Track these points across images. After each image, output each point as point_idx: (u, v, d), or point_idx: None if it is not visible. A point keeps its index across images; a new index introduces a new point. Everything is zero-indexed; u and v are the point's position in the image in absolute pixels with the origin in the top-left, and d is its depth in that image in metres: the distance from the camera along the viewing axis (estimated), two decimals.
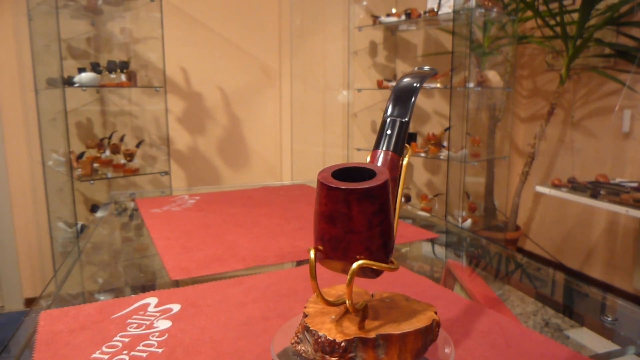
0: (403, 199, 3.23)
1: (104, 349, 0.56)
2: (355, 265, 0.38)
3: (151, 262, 0.92)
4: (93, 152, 2.56)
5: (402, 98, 0.44)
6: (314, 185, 1.51)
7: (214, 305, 0.67)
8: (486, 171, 3.11)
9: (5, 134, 2.51)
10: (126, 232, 1.19)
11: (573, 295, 0.81)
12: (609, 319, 0.67)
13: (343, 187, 0.36)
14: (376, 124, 3.20)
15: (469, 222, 2.97)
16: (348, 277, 0.38)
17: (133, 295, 0.71)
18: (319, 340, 0.40)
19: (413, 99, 0.44)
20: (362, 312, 0.42)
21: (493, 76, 2.61)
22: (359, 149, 3.10)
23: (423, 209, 3.13)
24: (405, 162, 0.43)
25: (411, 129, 3.06)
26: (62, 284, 0.82)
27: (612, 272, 2.72)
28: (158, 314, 0.65)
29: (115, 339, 0.58)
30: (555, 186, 2.52)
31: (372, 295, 0.45)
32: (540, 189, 2.70)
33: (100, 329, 0.61)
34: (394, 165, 0.42)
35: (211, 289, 0.73)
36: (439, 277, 0.92)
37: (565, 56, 2.57)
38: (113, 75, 2.50)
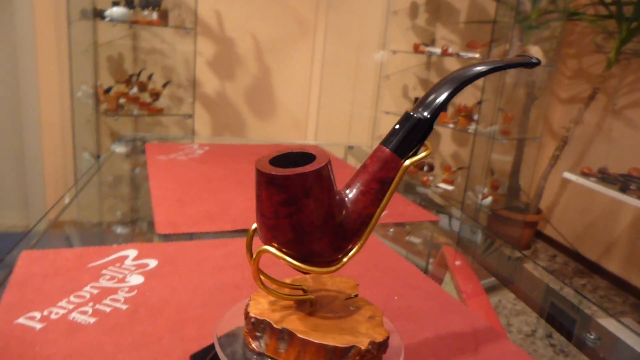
0: (426, 168, 3.18)
1: (71, 298, 0.57)
2: (258, 250, 0.37)
3: (143, 211, 0.93)
4: (121, 88, 2.58)
5: (445, 87, 0.38)
6: (330, 148, 1.49)
7: (191, 267, 0.68)
8: (515, 150, 3.01)
9: (39, 63, 2.55)
10: (128, 176, 1.21)
11: (564, 305, 0.78)
12: (592, 337, 0.64)
13: (258, 167, 0.36)
14: (408, 88, 3.10)
15: (489, 199, 2.91)
16: (252, 260, 0.38)
17: (115, 245, 0.72)
18: (245, 309, 0.41)
19: (447, 94, 0.38)
20: (308, 304, 0.41)
21: (536, 52, 2.47)
22: (387, 112, 3.03)
23: (445, 181, 3.07)
24: (407, 163, 0.38)
25: None
26: (53, 222, 0.84)
27: (630, 269, 2.64)
28: (133, 268, 0.65)
29: (85, 289, 0.59)
30: (584, 174, 2.42)
31: (355, 296, 0.43)
32: (568, 175, 2.59)
33: (73, 277, 0.62)
34: (385, 165, 0.38)
35: (192, 248, 0.74)
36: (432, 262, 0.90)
37: (617, 38, 2.40)
38: (145, 12, 2.47)
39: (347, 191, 0.39)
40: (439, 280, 0.79)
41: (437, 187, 3.06)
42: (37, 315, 0.53)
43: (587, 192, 2.88)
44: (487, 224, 3.15)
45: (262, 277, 0.42)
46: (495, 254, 0.99)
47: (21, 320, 0.52)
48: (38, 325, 0.51)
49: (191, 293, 0.61)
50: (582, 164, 2.84)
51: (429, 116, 0.37)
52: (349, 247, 0.38)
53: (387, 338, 0.36)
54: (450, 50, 2.70)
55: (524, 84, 2.81)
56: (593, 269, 2.89)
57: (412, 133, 0.37)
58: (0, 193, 2.71)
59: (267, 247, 0.37)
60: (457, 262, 0.86)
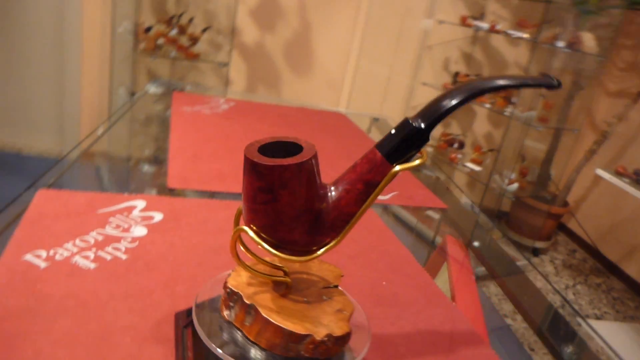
0: (456, 145, 3.12)
1: (77, 241, 0.60)
2: (236, 228, 0.39)
3: (160, 160, 0.96)
4: (161, 28, 2.59)
5: (450, 99, 0.37)
6: (357, 118, 1.48)
7: (194, 225, 0.70)
8: (551, 138, 2.92)
9: None
10: (157, 119, 1.24)
11: (556, 318, 0.78)
12: (569, 350, 0.64)
13: (246, 152, 0.37)
14: (449, 61, 3.01)
15: (515, 185, 2.85)
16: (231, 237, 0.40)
17: (125, 194, 0.75)
18: (226, 278, 0.43)
19: (450, 106, 0.36)
20: (284, 286, 0.42)
21: (589, 39, 2.34)
22: (424, 84, 2.96)
23: (473, 160, 3.02)
24: (397, 169, 0.37)
25: (487, 74, 2.86)
26: (82, 153, 0.88)
27: None
28: (139, 219, 0.68)
29: (91, 233, 0.63)
30: (619, 174, 2.33)
31: (335, 286, 0.45)
32: (601, 172, 2.51)
33: (82, 221, 0.65)
34: (374, 168, 0.38)
35: (199, 206, 0.76)
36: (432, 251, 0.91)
37: None
38: None
39: (333, 187, 0.39)
40: (436, 270, 0.80)
41: (465, 166, 3.01)
42: (44, 254, 0.56)
43: (619, 192, 2.79)
44: (510, 211, 3.10)
45: (246, 252, 0.44)
46: (498, 252, 0.99)
47: (28, 257, 0.55)
48: (43, 264, 0.55)
49: (189, 251, 0.63)
50: (618, 163, 2.73)
51: (424, 127, 0.36)
52: (326, 240, 0.39)
53: (347, 334, 0.37)
54: (498, 26, 2.59)
55: (572, 71, 2.69)
56: (611, 269, 2.84)
57: (407, 141, 0.37)
58: (38, 117, 2.81)
59: (245, 227, 0.39)
60: (457, 254, 0.86)
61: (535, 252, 3.07)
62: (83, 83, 2.73)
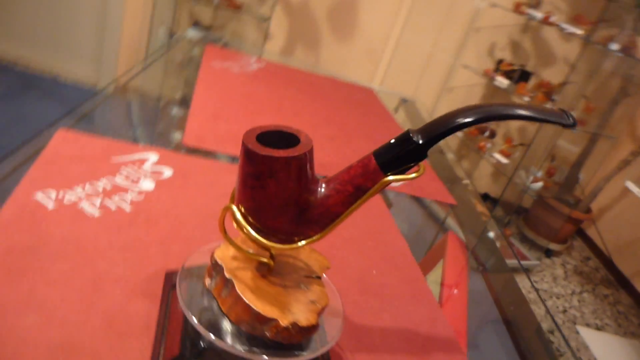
0: (487, 133, 3.05)
1: (86, 186, 0.63)
2: (225, 206, 0.41)
3: (181, 112, 0.97)
4: None
5: (455, 119, 0.36)
6: (386, 96, 1.46)
7: (201, 186, 0.72)
8: (586, 142, 2.82)
9: None
10: (189, 66, 1.25)
11: (538, 334, 0.79)
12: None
13: (244, 136, 0.38)
14: (495, 47, 2.90)
15: (539, 184, 2.80)
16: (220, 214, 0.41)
17: (141, 145, 0.77)
18: (214, 248, 0.45)
19: (454, 126, 0.35)
20: (266, 267, 0.44)
21: None
22: (465, 66, 2.87)
23: (502, 152, 2.95)
24: (389, 179, 0.37)
25: (530, 68, 2.76)
26: (106, 95, 0.91)
27: None
28: (149, 173, 0.71)
29: (101, 180, 0.65)
30: None
31: (317, 277, 0.46)
32: (630, 185, 2.44)
33: (95, 167, 0.68)
34: (366, 174, 0.38)
35: (209, 167, 0.78)
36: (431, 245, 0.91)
37: None
38: None
39: (325, 183, 0.40)
40: (431, 266, 0.81)
41: (492, 156, 2.96)
42: (53, 195, 0.59)
43: None
44: (530, 208, 3.06)
45: (237, 228, 0.45)
46: (497, 259, 0.99)
47: (39, 196, 0.58)
48: (51, 205, 0.57)
49: (192, 212, 0.65)
50: None
51: (423, 143, 0.36)
52: (310, 233, 0.40)
53: (313, 326, 0.39)
54: (552, 18, 2.47)
55: (621, 76, 2.57)
56: (622, 283, 2.80)
57: (404, 154, 0.36)
58: (78, 46, 2.85)
59: (233, 207, 0.40)
60: (456, 253, 0.86)
61: (548, 253, 3.03)
62: (125, 17, 2.74)
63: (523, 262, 2.79)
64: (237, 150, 0.86)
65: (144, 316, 0.47)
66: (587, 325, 2.57)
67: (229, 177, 0.77)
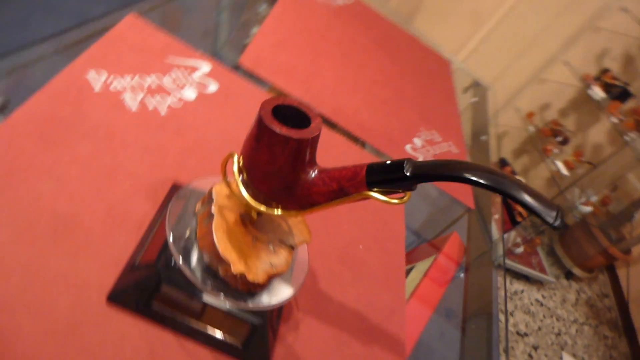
0: (560, 138, 2.90)
1: (135, 78, 0.68)
2: (228, 153, 0.44)
3: (251, 27, 0.99)
4: None
5: (450, 169, 0.36)
6: (462, 75, 1.40)
7: (238, 111, 0.75)
8: None
9: None
10: None
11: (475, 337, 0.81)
12: None
13: (263, 102, 0.41)
14: (606, 54, 2.66)
15: (589, 208, 2.68)
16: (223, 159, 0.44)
17: (197, 51, 0.80)
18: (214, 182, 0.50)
19: (445, 175, 0.36)
20: (249, 218, 0.48)
21: None
22: (565, 62, 2.67)
23: (566, 162, 2.82)
24: (369, 194, 0.38)
25: (634, 90, 2.53)
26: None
27: None
28: (195, 82, 0.74)
29: (150, 75, 0.70)
30: None
31: (292, 247, 0.49)
32: None
33: (150, 61, 0.72)
34: (353, 181, 0.39)
35: (253, 95, 0.81)
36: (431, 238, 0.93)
37: None
38: None
39: (319, 170, 0.42)
40: (419, 259, 0.84)
41: (554, 162, 2.83)
42: (104, 78, 0.64)
43: None
44: (569, 227, 2.96)
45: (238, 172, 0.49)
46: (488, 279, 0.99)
47: (91, 75, 0.63)
48: (98, 87, 0.63)
49: (220, 134, 0.70)
50: None
51: (410, 176, 0.36)
52: (288, 207, 0.43)
53: (258, 285, 0.43)
54: None
55: None
56: (628, 332, 2.74)
57: (390, 180, 0.37)
58: None
59: (235, 156, 0.43)
60: (450, 255, 0.88)
61: (569, 275, 2.97)
62: None
63: (538, 275, 2.76)
64: (286, 87, 0.88)
65: (140, 215, 0.53)
66: (574, 355, 2.57)
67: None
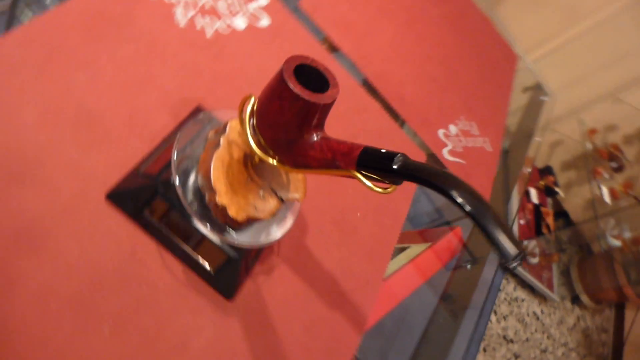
0: (615, 165, 2.76)
1: None
2: (247, 95, 0.45)
3: None
4: None
5: (438, 180, 0.35)
6: (526, 75, 1.33)
7: (283, 51, 0.76)
8: None
9: None
10: None
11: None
12: None
13: (289, 58, 0.42)
14: None
15: (618, 243, 2.60)
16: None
17: None
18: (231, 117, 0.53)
19: (424, 180, 0.35)
20: (250, 160, 0.50)
21: None
22: None
23: (612, 190, 2.70)
24: (355, 174, 0.39)
25: None
26: None
27: None
28: (249, 13, 0.75)
29: None
30: None
31: (282, 200, 0.51)
32: None
33: None
34: (347, 157, 0.40)
35: (303, 41, 0.80)
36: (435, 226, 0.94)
37: None
38: None
39: (322, 136, 0.43)
40: (416, 241, 0.85)
41: (600, 187, 2.72)
42: None
43: None
44: (592, 254, 2.88)
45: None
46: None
47: None
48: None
49: (257, 72, 0.71)
50: None
51: (396, 169, 0.37)
52: (283, 160, 0.45)
53: (236, 222, 0.46)
54: None
55: None
56: None
57: (378, 168, 0.38)
58: None
59: (252, 98, 0.45)
60: (444, 249, 0.89)
61: (575, 300, 2.93)
62: None
63: (544, 290, 2.74)
64: (338, 39, 0.87)
65: (158, 128, 0.56)
66: None
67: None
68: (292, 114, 0.42)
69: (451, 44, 1.13)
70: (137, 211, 0.50)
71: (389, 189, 0.39)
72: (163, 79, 0.60)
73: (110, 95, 0.54)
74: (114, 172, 0.51)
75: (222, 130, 0.52)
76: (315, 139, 0.43)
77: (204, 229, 0.50)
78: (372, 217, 0.73)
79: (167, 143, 0.55)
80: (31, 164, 0.46)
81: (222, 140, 0.50)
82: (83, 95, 0.52)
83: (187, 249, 0.51)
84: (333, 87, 0.43)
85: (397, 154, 0.38)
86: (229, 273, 0.53)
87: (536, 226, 2.88)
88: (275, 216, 0.53)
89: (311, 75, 0.44)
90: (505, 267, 0.32)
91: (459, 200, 0.33)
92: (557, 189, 3.01)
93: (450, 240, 0.92)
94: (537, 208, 2.92)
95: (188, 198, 0.48)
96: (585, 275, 2.91)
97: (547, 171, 3.09)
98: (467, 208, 0.33)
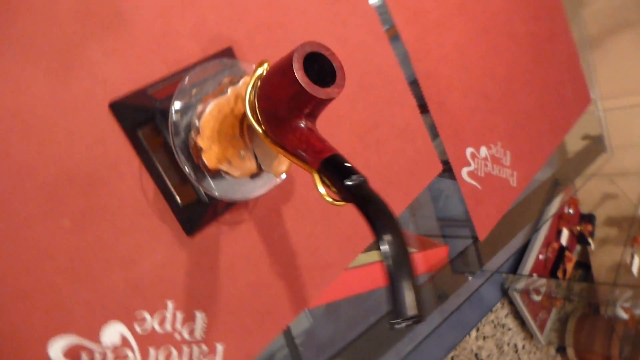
0: None
1: None
2: (262, 60, 0.47)
3: None
4: None
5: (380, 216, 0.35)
6: (592, 120, 1.23)
7: (344, 24, 0.74)
8: None
9: None
10: None
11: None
12: None
13: (305, 42, 0.42)
14: None
15: (625, 316, 2.51)
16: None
17: None
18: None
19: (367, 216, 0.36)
20: (248, 126, 0.51)
21: None
22: None
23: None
24: (313, 173, 0.41)
25: None
26: None
27: None
28: None
29: None
30: None
31: (261, 168, 0.53)
32: None
33: None
34: (316, 154, 0.41)
35: (365, 21, 0.78)
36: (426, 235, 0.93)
37: None
38: None
39: (310, 125, 0.44)
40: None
41: (633, 255, 2.60)
42: None
43: None
44: (597, 315, 2.80)
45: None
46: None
47: None
48: None
49: (300, 33, 0.70)
50: None
51: (345, 186, 0.38)
52: (267, 133, 0.46)
53: (207, 168, 0.48)
54: None
55: None
56: None
57: (334, 179, 0.39)
58: None
59: (266, 64, 0.46)
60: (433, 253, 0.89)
61: (560, 349, 2.89)
62: None
63: (534, 328, 2.71)
64: (403, 25, 0.84)
65: (184, 55, 0.58)
66: None
67: (358, 28, 0.77)
68: (288, 95, 0.42)
69: (522, 65, 1.08)
70: (132, 128, 0.53)
71: (338, 203, 0.40)
72: (206, 9, 0.60)
73: (150, 8, 0.56)
74: (125, 85, 0.53)
75: (236, 81, 0.53)
76: (301, 125, 0.44)
77: (181, 164, 0.52)
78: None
79: (184, 74, 0.57)
80: (50, 52, 0.49)
81: (229, 91, 0.51)
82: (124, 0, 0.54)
83: (165, 177, 0.54)
84: (336, 87, 0.43)
85: (358, 174, 0.38)
86: (196, 211, 0.56)
87: (553, 267, 2.81)
88: (256, 179, 0.55)
89: (325, 66, 0.44)
90: (391, 322, 0.31)
91: (383, 247, 0.33)
92: (590, 240, 2.90)
93: (433, 255, 0.92)
94: (562, 250, 2.84)
95: (179, 131, 0.50)
96: (581, 332, 2.85)
97: (588, 219, 2.96)
98: (389, 264, 0.32)
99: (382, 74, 0.78)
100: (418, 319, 0.31)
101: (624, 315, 2.48)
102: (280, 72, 0.42)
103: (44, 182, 0.48)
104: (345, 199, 0.39)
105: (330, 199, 0.40)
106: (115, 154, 0.52)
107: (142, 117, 0.53)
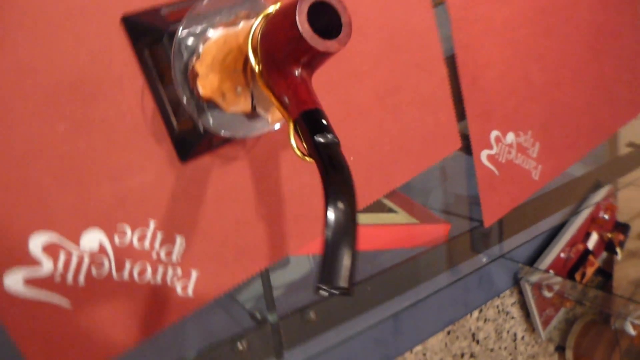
0: None
1: None
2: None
3: None
4: None
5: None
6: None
7: None
8: None
9: None
10: None
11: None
12: None
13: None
14: None
15: (632, 332, 2.45)
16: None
17: None
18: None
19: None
20: (251, 69, 0.50)
21: None
22: None
23: None
24: (290, 127, 0.40)
25: None
26: None
27: None
28: None
29: None
30: None
31: (255, 110, 0.52)
32: None
33: None
34: (299, 103, 0.39)
35: None
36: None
37: None
38: None
39: (304, 78, 0.43)
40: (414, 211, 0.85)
41: None
42: None
43: None
44: (603, 325, 2.75)
45: None
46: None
47: None
48: None
49: None
50: None
51: (314, 142, 0.37)
52: (264, 75, 0.45)
53: (198, 94, 0.48)
54: None
55: None
56: None
57: (306, 132, 0.38)
58: None
59: (279, 3, 0.44)
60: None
61: (559, 349, 2.88)
62: None
63: (538, 324, 2.69)
64: (455, 13, 0.79)
65: None
66: None
67: None
68: (286, 38, 0.41)
69: (577, 55, 1.00)
70: (141, 46, 0.53)
71: (306, 157, 0.39)
72: None
73: None
74: (141, 0, 0.53)
75: (252, 16, 0.52)
76: (295, 74, 0.43)
77: (177, 85, 0.51)
78: (363, 168, 0.73)
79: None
80: None
81: (242, 24, 0.50)
82: None
83: (165, 100, 0.54)
84: (337, 42, 0.41)
85: (332, 134, 0.37)
86: (192, 139, 0.57)
87: (572, 268, 2.74)
88: (253, 121, 0.54)
89: (334, 20, 0.42)
90: (318, 286, 0.30)
91: (332, 214, 0.32)
92: (618, 250, 2.80)
93: (435, 230, 0.91)
94: (586, 253, 2.76)
95: (182, 53, 0.50)
96: (585, 336, 2.82)
97: (622, 228, 2.85)
98: (334, 228, 0.31)
99: (416, 37, 0.74)
100: (345, 292, 0.30)
101: (631, 331, 2.43)
102: (285, 13, 0.41)
103: (44, 84, 0.49)
104: (311, 155, 0.38)
105: (299, 153, 0.39)
106: (121, 68, 0.52)
107: (153, 37, 0.53)
